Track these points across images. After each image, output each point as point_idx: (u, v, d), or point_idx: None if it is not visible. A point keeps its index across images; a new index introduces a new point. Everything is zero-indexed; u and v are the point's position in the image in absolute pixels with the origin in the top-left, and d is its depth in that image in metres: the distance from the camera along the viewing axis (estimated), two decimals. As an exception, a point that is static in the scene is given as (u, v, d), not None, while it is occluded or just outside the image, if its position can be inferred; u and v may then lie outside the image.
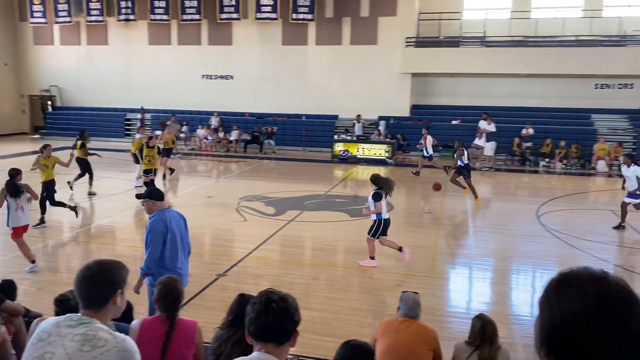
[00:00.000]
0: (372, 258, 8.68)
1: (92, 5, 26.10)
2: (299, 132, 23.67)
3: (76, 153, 13.38)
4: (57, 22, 26.96)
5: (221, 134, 23.39)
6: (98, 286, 2.32)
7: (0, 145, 23.09)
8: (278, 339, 2.12)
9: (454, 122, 22.48)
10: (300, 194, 14.20)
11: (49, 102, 28.11)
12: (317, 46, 24.08)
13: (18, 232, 8.07)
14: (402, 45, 22.76)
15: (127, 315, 4.30)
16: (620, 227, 11.17)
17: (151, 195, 5.43)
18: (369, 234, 8.66)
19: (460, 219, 12.40)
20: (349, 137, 21.55)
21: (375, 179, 8.61)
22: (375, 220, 8.57)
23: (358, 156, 20.76)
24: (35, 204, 9.69)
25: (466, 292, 8.15)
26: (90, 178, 14.01)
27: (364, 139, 21.27)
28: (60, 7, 26.49)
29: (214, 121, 23.82)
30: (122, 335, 2.29)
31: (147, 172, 13.20)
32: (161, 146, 15.39)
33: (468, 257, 9.52)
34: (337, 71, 23.87)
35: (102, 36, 26.91)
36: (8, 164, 14.80)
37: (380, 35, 23.20)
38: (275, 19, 23.75)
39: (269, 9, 23.72)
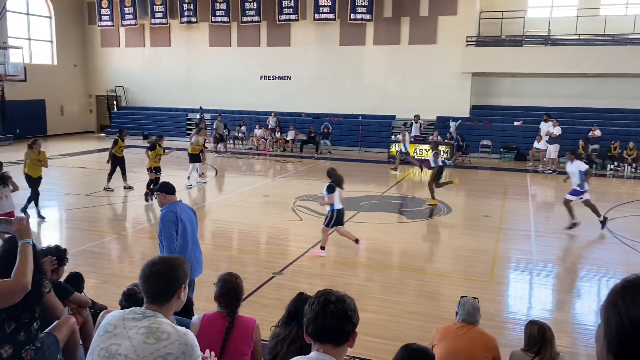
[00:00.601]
0: (322, 248, 9.06)
1: (157, 8, 26.97)
2: (355, 132, 23.61)
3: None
4: (123, 25, 28.02)
5: (278, 134, 23.64)
6: (164, 282, 2.39)
7: (69, 143, 24.21)
8: (336, 340, 2.11)
9: (515, 123, 21.81)
10: (355, 195, 14.14)
11: (115, 102, 29.25)
12: (375, 46, 23.94)
13: None
14: (463, 44, 22.29)
15: (188, 310, 4.41)
16: (572, 225, 10.87)
17: (162, 188, 5.67)
18: (324, 224, 9.09)
19: (522, 223, 12.00)
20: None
21: (329, 173, 9.07)
22: (329, 211, 8.98)
23: (416, 157, 20.44)
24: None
25: (526, 299, 7.87)
26: (123, 174, 14.27)
27: (422, 139, 20.95)
28: (126, 10, 27.52)
29: (271, 121, 24.10)
30: (184, 329, 2.35)
31: (156, 170, 13.33)
32: (200, 140, 15.55)
33: (529, 262, 9.19)
34: (394, 71, 23.65)
35: (165, 38, 27.77)
36: (76, 161, 15.57)
37: (440, 35, 22.82)
38: (334, 19, 23.78)
39: (327, 9, 23.78)
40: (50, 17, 27.91)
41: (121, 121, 28.17)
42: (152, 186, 12.41)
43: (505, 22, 22.65)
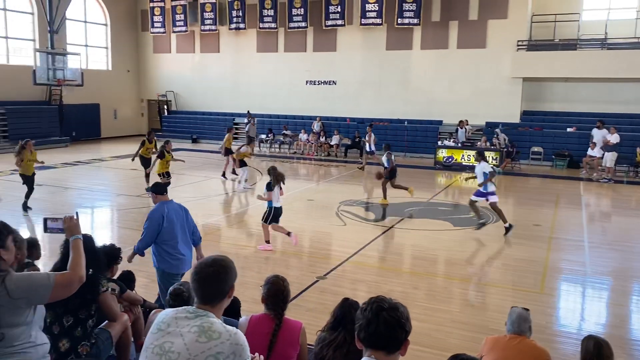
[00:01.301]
0: (267, 242, 9.46)
1: (206, 15, 27.55)
2: (400, 137, 23.39)
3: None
4: (174, 32, 28.75)
5: (322, 139, 23.67)
6: (217, 284, 2.44)
7: (122, 145, 24.92)
8: (388, 347, 2.10)
9: (569, 129, 21.10)
10: (401, 201, 13.97)
11: (165, 106, 30.01)
12: (422, 50, 23.68)
13: None
14: (513, 48, 21.77)
15: (235, 311, 4.45)
16: (480, 226, 11.05)
17: (153, 189, 6.26)
18: (262, 219, 9.54)
19: (575, 233, 11.56)
20: (452, 143, 20.91)
21: (269, 171, 9.58)
22: (267, 208, 9.44)
23: (463, 163, 20.07)
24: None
25: (579, 312, 7.54)
26: (146, 175, 14.66)
27: (470, 145, 20.54)
28: (177, 17, 28.23)
29: (316, 126, 24.16)
30: (235, 329, 2.39)
31: (167, 174, 13.57)
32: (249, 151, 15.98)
33: (582, 274, 8.82)
34: (442, 75, 23.32)
35: (214, 44, 28.30)
36: (128, 163, 16.00)
37: (490, 39, 22.37)
38: (380, 24, 23.67)
39: (374, 14, 23.69)
40: (106, 25, 28.92)
41: (171, 125, 28.91)
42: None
43: (559, 26, 21.98)
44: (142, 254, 6.17)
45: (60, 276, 2.99)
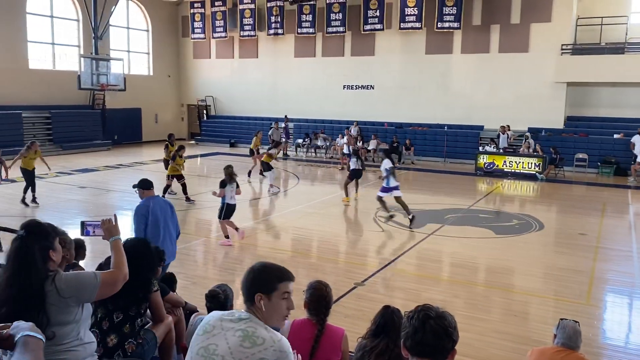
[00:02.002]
0: (226, 237, 10.03)
1: (245, 21, 27.85)
2: (440, 142, 23.06)
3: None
4: (214, 38, 29.16)
5: (360, 144, 23.53)
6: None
7: (162, 149, 25.31)
8: (434, 356, 2.04)
9: (616, 135, 20.39)
10: (440, 207, 13.73)
11: (205, 111, 30.45)
12: (463, 54, 23.33)
13: None
14: (557, 52, 21.21)
15: (170, 282, 4.75)
16: (389, 217, 11.96)
17: (140, 185, 6.61)
18: (218, 216, 10.18)
19: (623, 242, 11.11)
20: (493, 149, 20.48)
21: (225, 169, 10.15)
22: (221, 204, 10.06)
23: (505, 170, 19.62)
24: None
25: (627, 325, 7.23)
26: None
27: (512, 151, 20.07)
28: (217, 23, 28.63)
29: (353, 130, 24.06)
30: (279, 335, 2.36)
31: (179, 177, 13.95)
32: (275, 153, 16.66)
33: (631, 285, 8.45)
34: (483, 80, 22.91)
35: (253, 50, 28.58)
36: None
37: (533, 43, 21.87)
38: (420, 28, 23.43)
39: (413, 18, 23.47)
40: (147, 31, 29.58)
41: (210, 129, 29.29)
42: (168, 192, 13.99)
43: (605, 29, 21.32)
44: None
45: (106, 274, 3.11)
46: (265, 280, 2.41)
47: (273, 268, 2.48)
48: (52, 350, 2.83)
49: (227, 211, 10.04)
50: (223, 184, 9.99)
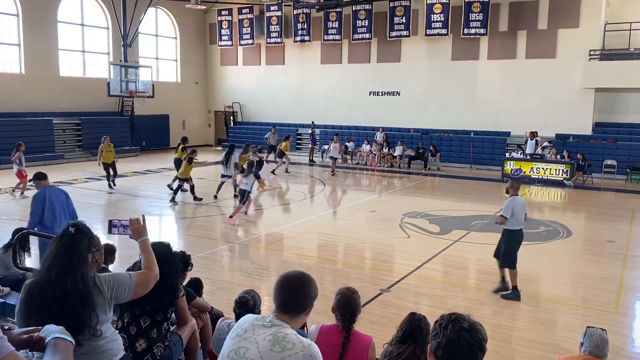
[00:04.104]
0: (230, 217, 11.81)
1: (272, 28, 28.15)
2: (466, 148, 22.94)
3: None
4: (241, 45, 29.52)
5: (385, 150, 23.57)
6: (300, 296, 2.51)
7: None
8: None
9: (645, 142, 20.05)
10: (466, 214, 13.69)
11: (232, 117, 30.80)
12: (489, 60, 23.20)
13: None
14: (585, 58, 20.95)
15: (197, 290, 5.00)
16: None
17: (35, 177, 7.51)
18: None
19: (653, 251, 10.93)
20: (520, 155, 20.29)
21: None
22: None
23: (532, 176, 19.43)
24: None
25: (659, 335, 7.13)
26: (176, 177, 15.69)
27: (539, 157, 19.86)
28: (244, 30, 28.99)
29: (379, 136, 24.10)
30: (309, 341, 2.41)
31: (186, 180, 14.72)
32: None
33: (662, 295, 8.34)
34: (510, 86, 22.74)
35: (280, 56, 28.84)
36: (195, 172, 16.55)
37: (560, 48, 21.64)
38: (446, 34, 23.38)
39: (439, 25, 23.44)
40: (175, 38, 30.10)
41: (237, 135, 29.57)
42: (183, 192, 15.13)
43: (634, 34, 20.98)
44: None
45: (140, 275, 3.22)
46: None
47: (311, 278, 2.61)
48: (99, 347, 2.97)
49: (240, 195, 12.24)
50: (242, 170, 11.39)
